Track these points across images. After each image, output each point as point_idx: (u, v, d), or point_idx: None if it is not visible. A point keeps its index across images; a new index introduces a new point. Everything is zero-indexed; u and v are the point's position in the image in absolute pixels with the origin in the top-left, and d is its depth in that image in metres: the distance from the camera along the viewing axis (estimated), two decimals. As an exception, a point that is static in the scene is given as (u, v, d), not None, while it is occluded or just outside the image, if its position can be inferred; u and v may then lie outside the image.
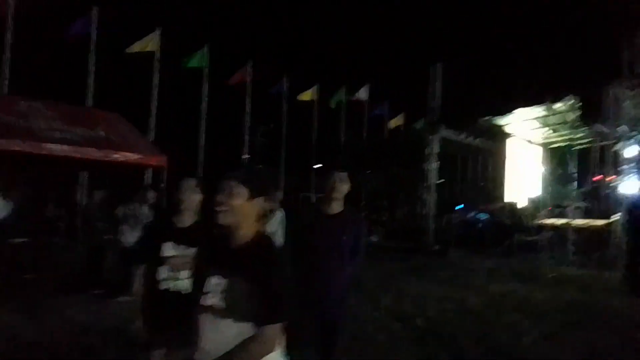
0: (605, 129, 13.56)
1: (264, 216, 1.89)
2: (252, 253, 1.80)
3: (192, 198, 2.84)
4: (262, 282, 1.73)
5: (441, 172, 15.62)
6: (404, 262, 11.48)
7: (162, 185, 9.68)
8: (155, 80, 13.83)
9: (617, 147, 12.64)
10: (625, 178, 11.97)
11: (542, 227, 13.89)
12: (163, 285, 2.74)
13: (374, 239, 15.95)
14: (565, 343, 5.45)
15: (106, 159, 8.40)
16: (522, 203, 16.21)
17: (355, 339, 5.26)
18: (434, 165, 14.97)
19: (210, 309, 1.78)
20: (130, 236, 6.71)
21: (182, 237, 2.78)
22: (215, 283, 1.80)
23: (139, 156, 8.87)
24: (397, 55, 22.15)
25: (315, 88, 20.46)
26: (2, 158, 7.07)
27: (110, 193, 7.93)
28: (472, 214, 15.98)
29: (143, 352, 2.80)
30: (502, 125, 16.08)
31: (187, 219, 2.85)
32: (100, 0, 12.65)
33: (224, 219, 1.81)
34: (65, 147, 7.92)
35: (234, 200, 1.81)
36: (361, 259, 3.29)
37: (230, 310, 1.74)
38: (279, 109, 19.48)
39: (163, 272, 2.74)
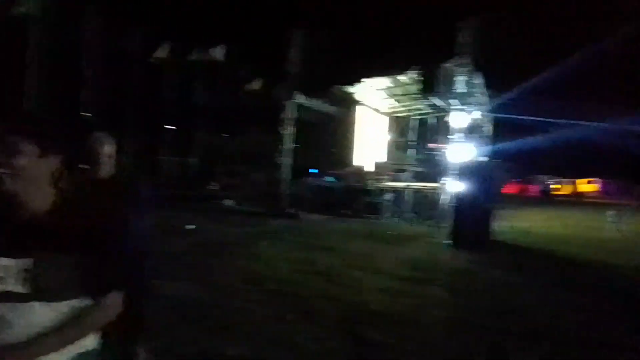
0: (439, 102, 15.09)
1: (62, 179, 1.52)
2: (63, 224, 1.47)
3: None
4: (85, 254, 1.47)
5: (297, 138, 16.03)
6: (258, 226, 11.67)
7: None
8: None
9: (448, 118, 14.21)
10: (454, 145, 13.55)
11: (385, 190, 15.16)
12: None
13: (228, 202, 15.90)
14: (403, 295, 6.10)
15: None
16: (369, 168, 17.45)
17: (204, 304, 5.24)
18: (289, 131, 15.29)
19: (7, 295, 1.43)
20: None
21: None
22: (9, 264, 1.43)
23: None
24: (256, 18, 21.74)
25: (167, 45, 19.27)
26: None
27: None
28: (325, 178, 16.78)
29: None
30: (353, 94, 16.99)
31: None
32: None
33: (6, 185, 1.43)
34: None
35: (18, 160, 1.42)
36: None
37: (38, 293, 1.43)
38: (128, 66, 18.01)
39: None
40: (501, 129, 18.65)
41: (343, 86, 16.35)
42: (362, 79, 15.86)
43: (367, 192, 15.32)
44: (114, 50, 17.34)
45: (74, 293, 1.50)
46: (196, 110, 20.95)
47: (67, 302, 1.49)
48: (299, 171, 16.26)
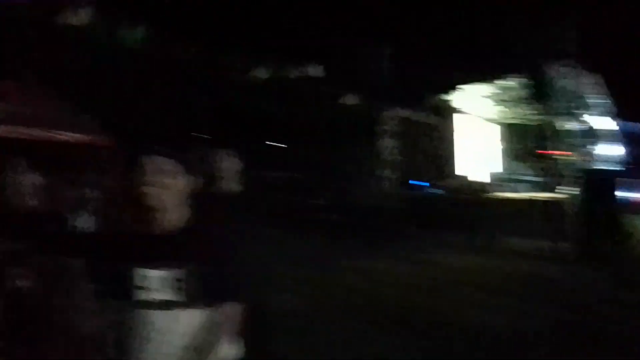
0: (555, 106, 13.96)
1: (199, 195, 1.73)
2: (194, 236, 1.62)
3: None
4: (214, 266, 1.59)
5: (394, 149, 15.72)
6: (360, 239, 11.46)
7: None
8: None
9: (565, 123, 13.08)
10: (577, 152, 12.38)
11: (498, 201, 14.21)
12: None
13: (332, 217, 15.90)
14: (524, 317, 5.54)
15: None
16: (477, 178, 16.57)
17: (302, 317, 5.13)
18: (386, 143, 15.03)
19: (155, 303, 1.57)
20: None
21: None
22: (153, 275, 1.57)
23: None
24: (347, 31, 21.82)
25: (264, 64, 20.01)
26: None
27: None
28: (427, 189, 16.22)
29: None
30: (452, 101, 16.35)
31: None
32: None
33: (151, 201, 1.57)
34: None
35: (165, 178, 1.59)
36: None
37: (182, 301, 1.57)
38: (229, 86, 18.94)
39: None
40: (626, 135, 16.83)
41: (442, 94, 15.78)
42: (463, 85, 15.17)
43: (477, 203, 14.42)
44: (215, 72, 18.25)
45: (212, 301, 1.62)
46: (293, 126, 21.38)
47: (202, 310, 1.62)
48: (397, 183, 15.88)
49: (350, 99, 23.39)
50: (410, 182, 17.48)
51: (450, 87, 15.63)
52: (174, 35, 14.86)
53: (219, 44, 17.14)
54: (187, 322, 1.58)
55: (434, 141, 20.07)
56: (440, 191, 15.85)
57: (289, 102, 21.69)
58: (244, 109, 18.96)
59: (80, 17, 10.83)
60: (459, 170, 16.75)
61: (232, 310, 1.64)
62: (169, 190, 1.58)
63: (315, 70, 22.08)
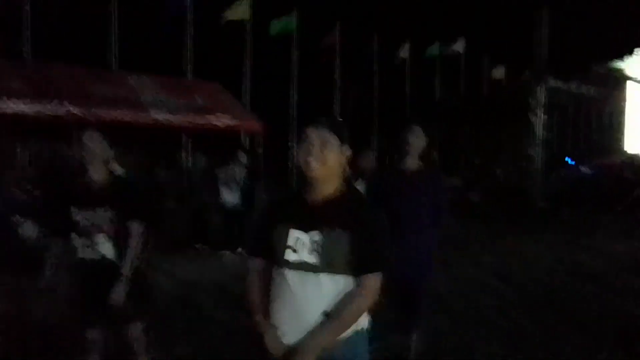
0: None
1: (347, 166, 1.75)
2: (346, 205, 1.69)
3: (100, 155, 2.54)
4: (362, 231, 1.64)
5: (549, 125, 14.40)
6: (509, 221, 10.85)
7: (260, 150, 9.93)
8: (248, 48, 14.10)
9: None
10: None
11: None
12: (79, 254, 2.52)
13: (474, 198, 15.28)
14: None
15: (205, 125, 8.77)
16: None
17: (456, 299, 5.06)
18: (539, 118, 13.82)
19: (300, 265, 1.66)
20: (230, 196, 7.07)
21: (90, 198, 2.51)
22: (302, 237, 1.67)
23: (235, 122, 9.15)
24: (493, 3, 20.40)
25: (406, 46, 19.65)
26: (115, 128, 7.63)
27: (210, 158, 8.30)
28: (586, 168, 14.64)
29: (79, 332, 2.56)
30: (621, 70, 14.36)
31: (98, 178, 2.55)
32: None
33: (314, 172, 1.67)
34: (169, 115, 8.36)
35: (326, 150, 1.67)
36: (444, 218, 3.12)
37: (326, 265, 1.63)
38: (370, 69, 19.02)
39: (75, 240, 2.51)
40: None
41: (608, 62, 13.96)
42: (634, 51, 13.25)
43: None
44: (359, 57, 18.52)
45: (350, 269, 1.66)
46: (437, 105, 20.80)
47: (345, 276, 1.66)
48: (552, 162, 14.59)
49: (497, 74, 22.03)
50: (567, 160, 15.98)
51: (619, 51, 13.78)
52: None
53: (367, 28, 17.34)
54: (332, 287, 1.63)
55: (594, 115, 17.97)
56: (602, 170, 14.18)
57: (430, 81, 21.23)
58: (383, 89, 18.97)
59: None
60: (628, 146, 14.81)
61: (374, 282, 1.66)
62: (328, 162, 1.67)
63: (459, 46, 21.19)
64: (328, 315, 1.63)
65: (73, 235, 2.53)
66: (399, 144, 3.00)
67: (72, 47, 10.72)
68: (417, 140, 2.97)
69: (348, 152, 1.74)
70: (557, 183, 14.35)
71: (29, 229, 3.85)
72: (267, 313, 1.78)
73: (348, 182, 1.78)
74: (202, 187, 7.94)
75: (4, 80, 7.18)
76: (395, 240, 2.70)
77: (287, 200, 1.85)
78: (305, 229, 1.67)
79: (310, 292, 1.64)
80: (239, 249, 7.27)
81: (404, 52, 19.72)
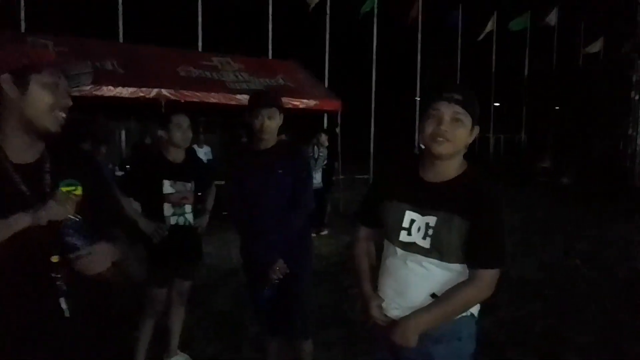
0: None
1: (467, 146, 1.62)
2: (466, 189, 1.56)
3: (186, 135, 2.85)
4: (482, 222, 1.53)
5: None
6: (604, 206, 10.09)
7: (338, 128, 9.92)
8: (328, 27, 14.06)
9: None
10: None
11: None
12: (171, 221, 2.84)
13: (565, 180, 14.37)
14: None
15: (286, 105, 8.86)
16: None
17: (546, 286, 4.81)
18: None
19: (412, 246, 1.60)
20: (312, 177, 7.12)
21: (177, 173, 2.86)
22: (417, 220, 1.60)
23: (315, 102, 9.18)
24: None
25: (493, 18, 18.60)
26: (200, 109, 7.94)
27: (291, 138, 8.39)
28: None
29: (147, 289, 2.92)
30: None
31: (180, 155, 2.90)
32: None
33: (442, 150, 1.54)
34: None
35: (459, 130, 1.54)
36: (307, 203, 2.47)
37: (436, 250, 1.56)
38: (454, 44, 18.26)
39: (167, 209, 2.84)
40: None
41: None
42: None
43: None
44: (443, 31, 17.86)
45: (462, 258, 1.58)
46: (525, 83, 19.60)
47: (458, 265, 1.59)
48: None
49: (594, 47, 20.28)
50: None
51: None
52: None
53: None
54: (440, 273, 1.58)
55: None
56: None
57: (519, 55, 19.99)
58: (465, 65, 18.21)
59: None
60: None
61: (491, 278, 1.56)
62: (459, 142, 1.56)
63: (552, 18, 19.73)
64: (437, 298, 1.58)
65: (166, 205, 2.85)
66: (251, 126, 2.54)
67: (161, 30, 11.25)
68: (271, 122, 2.44)
69: (477, 130, 1.60)
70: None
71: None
72: (372, 282, 1.78)
73: (470, 161, 1.65)
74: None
75: (102, 63, 7.68)
76: (249, 227, 2.60)
77: (401, 174, 1.72)
78: (421, 211, 1.60)
79: (418, 275, 1.60)
80: (324, 231, 7.36)
81: (491, 24, 18.71)
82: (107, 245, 1.34)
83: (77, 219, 1.32)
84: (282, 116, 2.47)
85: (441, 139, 1.54)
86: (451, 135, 1.54)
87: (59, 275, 1.31)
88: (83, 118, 8.51)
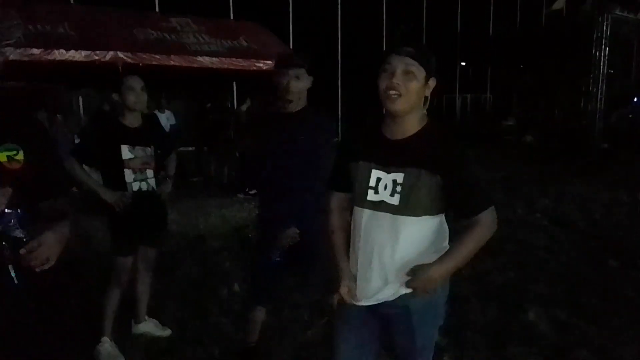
0: None
1: (427, 100, 1.59)
2: (430, 142, 1.56)
3: (141, 98, 2.77)
4: (458, 174, 1.55)
5: (612, 61, 13.34)
6: (565, 163, 10.40)
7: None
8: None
9: None
10: None
11: None
12: (133, 187, 2.79)
13: (529, 138, 14.73)
14: None
15: (251, 68, 8.67)
16: None
17: (508, 241, 4.96)
18: (602, 53, 12.81)
19: (379, 205, 1.59)
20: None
21: (135, 138, 2.79)
22: (383, 178, 1.59)
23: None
24: None
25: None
26: (161, 73, 7.68)
27: (254, 100, 8.24)
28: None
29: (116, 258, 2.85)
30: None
31: (137, 119, 2.83)
32: None
33: (396, 105, 1.52)
34: (213, 59, 8.31)
35: (411, 83, 1.51)
36: (325, 172, 2.13)
37: (406, 207, 1.55)
38: (419, 4, 18.12)
39: (128, 175, 2.77)
40: None
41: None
42: None
43: None
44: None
45: (436, 210, 1.61)
46: (490, 43, 19.68)
47: (427, 217, 1.60)
48: (615, 101, 13.65)
49: (557, 4, 20.45)
50: (633, 99, 14.96)
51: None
52: None
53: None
54: (410, 229, 1.58)
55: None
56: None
57: (484, 17, 20.04)
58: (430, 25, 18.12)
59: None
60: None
61: (490, 216, 1.63)
62: (414, 95, 1.54)
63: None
64: (451, 245, 1.63)
65: (127, 171, 2.76)
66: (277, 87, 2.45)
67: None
68: (298, 83, 2.38)
69: (434, 83, 1.57)
70: (618, 123, 13.52)
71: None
72: (347, 254, 1.76)
73: (430, 116, 1.63)
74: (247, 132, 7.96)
75: (53, 27, 7.29)
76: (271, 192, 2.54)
77: (366, 135, 1.70)
78: (387, 169, 1.59)
79: (388, 234, 1.60)
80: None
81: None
82: (53, 234, 1.29)
83: (18, 211, 1.25)
84: (310, 79, 2.42)
85: (393, 93, 1.52)
86: (403, 89, 1.51)
87: (4, 244, 1.24)
88: (36, 86, 8.18)
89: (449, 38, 18.46)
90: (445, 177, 1.53)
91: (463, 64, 19.68)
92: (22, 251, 1.23)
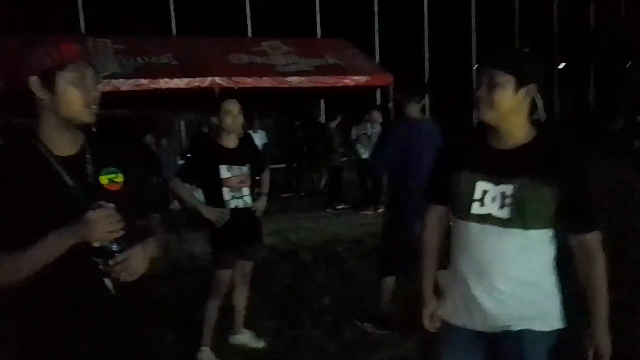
0: None
1: (535, 108, 1.53)
2: (542, 153, 1.50)
3: (237, 120, 2.92)
4: (576, 187, 1.49)
5: None
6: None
7: (390, 103, 9.77)
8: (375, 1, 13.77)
9: None
10: None
11: None
12: (231, 205, 2.92)
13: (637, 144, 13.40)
14: None
15: (338, 84, 8.83)
16: None
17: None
18: None
19: (487, 218, 1.53)
20: (366, 154, 7.08)
21: (232, 158, 2.94)
22: (490, 190, 1.53)
23: (367, 78, 9.06)
24: None
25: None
26: (253, 94, 8.06)
27: (344, 117, 8.39)
28: None
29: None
30: None
31: (234, 140, 2.99)
32: None
33: (485, 117, 1.50)
34: (301, 78, 8.58)
35: (497, 93, 1.47)
36: None
37: (518, 219, 1.49)
38: (510, 4, 17.30)
39: (226, 193, 2.92)
40: None
41: None
42: None
43: None
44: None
45: (548, 223, 1.54)
46: (592, 37, 18.24)
47: (537, 232, 1.53)
48: None
49: None
50: None
51: None
52: None
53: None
54: (520, 243, 1.52)
55: None
56: None
57: (585, 12, 18.69)
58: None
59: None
60: None
61: (597, 241, 1.55)
62: (503, 105, 1.49)
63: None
64: (591, 300, 1.56)
65: (225, 189, 2.94)
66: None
67: (211, 20, 11.49)
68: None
69: (534, 88, 1.49)
70: None
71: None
72: (437, 273, 1.75)
73: (540, 126, 1.56)
74: (337, 147, 8.10)
75: (158, 58, 7.97)
76: None
77: (469, 144, 1.64)
78: (495, 180, 1.53)
79: (497, 248, 1.53)
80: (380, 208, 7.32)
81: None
82: (141, 249, 1.38)
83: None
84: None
85: (481, 105, 1.50)
86: (488, 100, 1.48)
87: (100, 258, 1.34)
88: (144, 113, 8.98)
89: (546, 38, 17.42)
90: (564, 188, 1.47)
91: (562, 64, 18.44)
92: (111, 262, 1.32)
